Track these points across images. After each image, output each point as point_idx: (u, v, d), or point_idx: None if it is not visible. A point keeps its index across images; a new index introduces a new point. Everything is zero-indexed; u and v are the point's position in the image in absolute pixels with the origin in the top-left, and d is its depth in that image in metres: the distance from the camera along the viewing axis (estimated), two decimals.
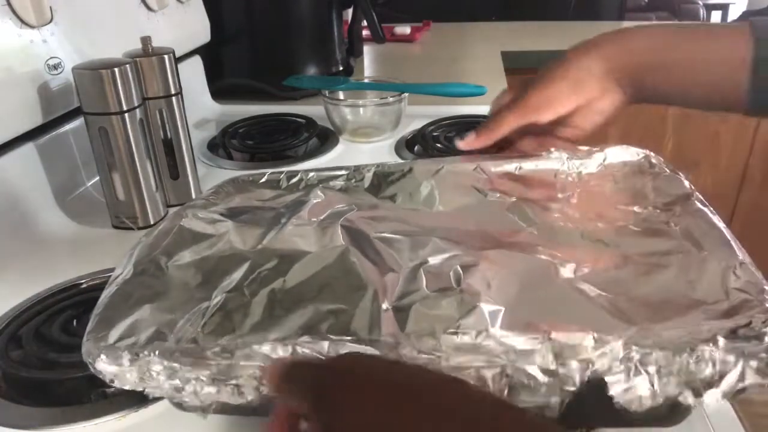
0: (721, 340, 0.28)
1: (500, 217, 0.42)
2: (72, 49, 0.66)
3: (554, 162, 0.48)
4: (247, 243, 0.40)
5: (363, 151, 0.85)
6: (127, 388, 0.32)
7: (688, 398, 0.28)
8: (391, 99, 0.85)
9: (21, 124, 0.60)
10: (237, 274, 0.37)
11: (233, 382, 0.31)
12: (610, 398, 0.28)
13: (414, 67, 1.38)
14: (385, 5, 1.32)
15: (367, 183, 0.48)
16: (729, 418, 0.38)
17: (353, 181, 0.49)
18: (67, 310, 0.48)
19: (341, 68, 1.17)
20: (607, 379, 0.28)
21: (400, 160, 0.78)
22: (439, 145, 0.81)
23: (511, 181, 0.47)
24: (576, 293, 0.32)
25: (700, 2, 3.81)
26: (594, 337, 0.28)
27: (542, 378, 0.28)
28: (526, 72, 1.44)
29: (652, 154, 0.48)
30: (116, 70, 0.57)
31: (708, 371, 0.28)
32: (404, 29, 1.59)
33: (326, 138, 0.87)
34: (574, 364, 0.28)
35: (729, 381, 0.28)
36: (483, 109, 0.91)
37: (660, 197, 0.42)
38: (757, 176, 1.51)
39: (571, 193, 0.44)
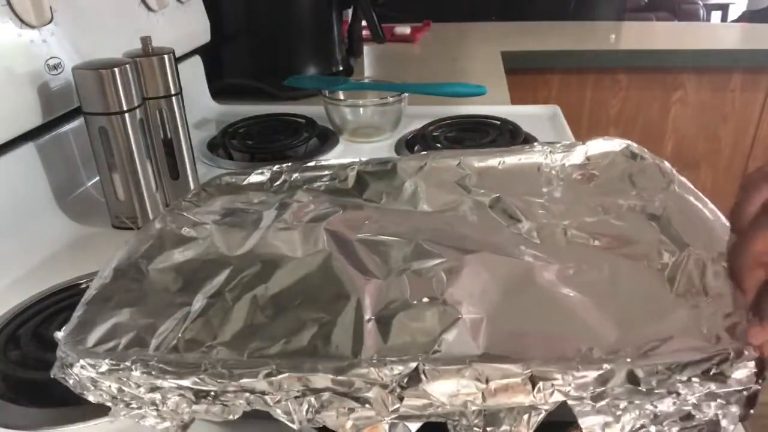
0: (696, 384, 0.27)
1: (484, 216, 0.42)
2: (72, 49, 0.66)
3: (537, 155, 0.48)
4: (229, 247, 0.40)
5: (363, 151, 0.85)
6: (93, 400, 0.31)
7: None
8: (391, 99, 0.85)
9: (21, 124, 0.60)
10: (219, 279, 0.36)
11: (221, 400, 0.30)
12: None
13: (414, 67, 1.38)
14: (385, 5, 1.31)
15: (351, 182, 0.48)
16: None
17: (337, 181, 0.49)
18: (67, 311, 0.48)
19: (341, 68, 1.17)
20: (575, 409, 0.28)
21: None
22: (439, 145, 0.81)
23: (495, 176, 0.47)
24: (557, 298, 0.33)
25: (700, 2, 3.81)
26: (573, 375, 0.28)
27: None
28: (526, 72, 1.44)
29: (633, 144, 0.48)
30: (116, 70, 0.57)
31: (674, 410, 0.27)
32: (404, 29, 1.59)
33: (326, 138, 0.87)
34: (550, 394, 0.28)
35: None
36: (483, 109, 0.92)
37: (642, 186, 0.43)
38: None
39: (555, 186, 0.45)
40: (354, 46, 1.31)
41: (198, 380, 0.29)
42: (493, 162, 0.48)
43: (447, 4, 1.99)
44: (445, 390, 0.28)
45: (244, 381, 0.29)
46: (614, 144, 0.48)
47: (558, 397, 0.27)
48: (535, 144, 0.49)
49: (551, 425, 0.37)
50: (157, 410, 0.30)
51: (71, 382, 0.31)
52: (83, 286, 0.52)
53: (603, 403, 0.27)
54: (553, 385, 0.27)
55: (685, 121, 1.48)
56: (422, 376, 0.28)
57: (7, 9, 0.58)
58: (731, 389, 0.27)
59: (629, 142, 0.48)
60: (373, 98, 0.89)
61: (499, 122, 0.86)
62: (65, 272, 0.54)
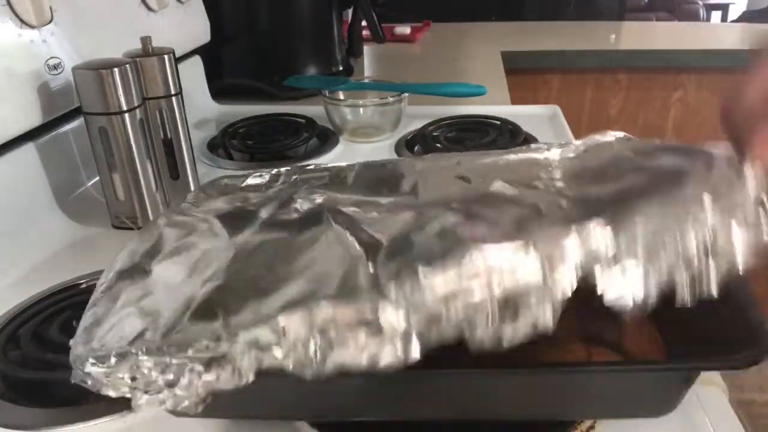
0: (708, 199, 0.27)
1: (485, 193, 0.42)
2: (72, 49, 0.66)
3: (536, 153, 0.48)
4: (230, 235, 0.40)
5: (363, 151, 0.85)
6: (113, 394, 0.31)
7: (684, 279, 0.28)
8: (391, 99, 0.85)
9: (21, 124, 0.60)
10: (221, 264, 0.36)
11: (232, 364, 0.30)
12: (603, 304, 0.28)
13: (414, 67, 1.38)
14: (385, 5, 1.31)
15: (350, 180, 0.49)
16: (729, 418, 0.38)
17: (337, 180, 0.49)
18: (67, 311, 0.48)
19: (341, 68, 1.17)
20: (596, 277, 0.28)
21: None
22: (438, 145, 0.81)
23: (496, 168, 0.47)
24: (556, 197, 0.33)
25: (700, 2, 3.81)
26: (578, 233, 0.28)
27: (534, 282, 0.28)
28: (526, 72, 1.44)
29: (629, 135, 0.48)
30: (116, 70, 0.57)
31: (700, 236, 0.27)
32: (404, 29, 1.59)
33: (326, 138, 0.87)
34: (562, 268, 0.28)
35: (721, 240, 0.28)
36: (483, 109, 0.92)
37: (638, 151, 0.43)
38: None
39: (554, 170, 0.45)
40: (354, 46, 1.31)
41: (202, 347, 0.29)
42: (494, 158, 0.48)
43: (447, 4, 1.99)
44: (449, 281, 0.27)
45: (248, 335, 0.29)
46: (609, 135, 0.48)
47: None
48: (533, 144, 0.49)
49: (551, 425, 0.37)
50: (173, 390, 0.30)
51: (90, 383, 0.31)
52: (83, 286, 0.52)
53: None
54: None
55: (685, 121, 1.48)
56: (421, 276, 0.28)
57: (7, 9, 0.58)
58: None
59: (624, 133, 0.48)
60: (373, 98, 0.89)
61: (499, 122, 0.86)
62: (65, 272, 0.54)
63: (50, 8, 0.63)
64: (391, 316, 0.28)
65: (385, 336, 0.28)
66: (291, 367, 0.29)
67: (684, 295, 0.28)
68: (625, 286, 0.28)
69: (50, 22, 0.63)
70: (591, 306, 0.28)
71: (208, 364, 0.30)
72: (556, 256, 0.28)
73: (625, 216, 0.28)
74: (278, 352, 0.29)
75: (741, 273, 0.28)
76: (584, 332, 0.34)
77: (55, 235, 0.62)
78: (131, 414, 0.39)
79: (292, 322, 0.28)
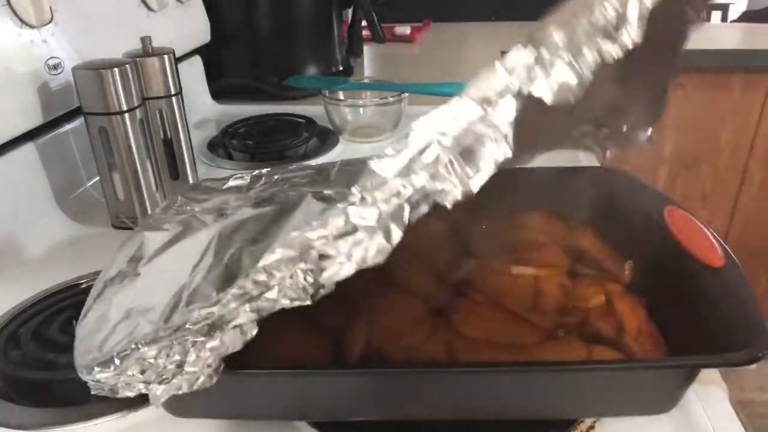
0: None
1: None
2: (72, 49, 0.66)
3: None
4: (211, 223, 0.41)
5: (363, 151, 0.85)
6: (131, 393, 0.31)
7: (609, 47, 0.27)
8: (391, 99, 0.85)
9: (21, 124, 0.60)
10: (206, 246, 0.37)
11: (232, 324, 0.30)
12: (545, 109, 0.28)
13: (414, 67, 1.38)
14: (385, 5, 1.31)
15: (333, 176, 0.49)
16: (728, 418, 0.38)
17: (319, 177, 0.49)
18: (67, 311, 0.48)
19: (341, 68, 1.17)
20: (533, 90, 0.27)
21: None
22: None
23: None
24: None
25: None
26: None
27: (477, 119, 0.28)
28: None
29: None
30: (116, 70, 0.57)
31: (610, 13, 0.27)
32: (404, 29, 1.59)
33: (326, 138, 0.87)
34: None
35: None
36: None
37: None
38: (757, 176, 1.51)
39: None
40: (354, 46, 1.31)
41: (198, 318, 0.29)
42: None
43: (447, 4, 1.99)
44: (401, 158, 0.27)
45: (236, 291, 0.29)
46: None
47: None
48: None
49: (551, 425, 0.37)
50: (184, 370, 0.30)
51: (106, 389, 0.31)
52: (83, 286, 0.52)
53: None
54: None
55: (685, 121, 1.48)
56: (373, 167, 0.28)
57: (7, 9, 0.58)
58: None
59: None
60: (373, 98, 0.89)
61: None
62: (65, 272, 0.54)
63: (50, 8, 0.63)
64: (363, 214, 0.28)
65: (365, 234, 0.28)
66: (289, 302, 0.29)
67: (614, 51, 0.28)
68: (557, 81, 0.27)
69: (50, 22, 0.63)
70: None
71: (208, 332, 0.30)
72: (489, 94, 0.28)
73: (539, 32, 0.28)
74: (271, 294, 0.29)
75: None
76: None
77: (55, 235, 0.62)
78: (131, 414, 0.39)
79: (273, 262, 0.29)
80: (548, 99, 0.27)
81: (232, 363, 0.31)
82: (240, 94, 1.06)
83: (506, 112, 0.28)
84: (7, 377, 0.42)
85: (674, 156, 1.49)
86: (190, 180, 0.70)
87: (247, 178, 0.50)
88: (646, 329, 0.38)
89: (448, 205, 0.28)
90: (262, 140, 0.87)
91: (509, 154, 0.28)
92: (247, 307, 0.29)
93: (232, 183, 0.50)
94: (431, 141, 0.28)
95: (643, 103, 0.42)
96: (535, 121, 0.29)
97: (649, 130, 0.41)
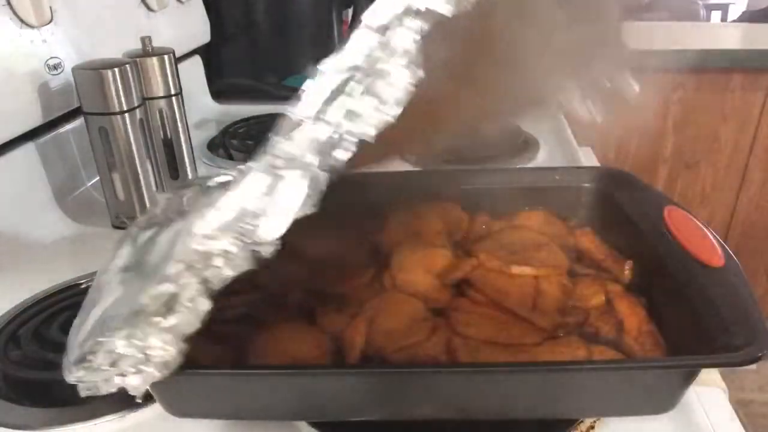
0: None
1: None
2: (72, 49, 0.66)
3: None
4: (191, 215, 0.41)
5: None
6: (113, 389, 0.31)
7: None
8: None
9: (21, 124, 0.60)
10: (163, 238, 0.37)
11: (186, 298, 0.30)
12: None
13: None
14: None
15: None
16: (728, 418, 0.38)
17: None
18: (67, 311, 0.48)
19: None
20: None
21: None
22: None
23: None
24: None
25: (700, 2, 3.81)
26: None
27: None
28: None
29: None
30: (116, 70, 0.57)
31: None
32: None
33: None
34: None
35: None
36: None
37: None
38: (757, 176, 1.51)
39: None
40: None
41: (152, 297, 0.29)
42: None
43: None
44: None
45: (180, 266, 0.29)
46: None
47: None
48: None
49: (551, 425, 0.37)
50: (150, 354, 0.30)
51: (90, 388, 0.31)
52: (83, 286, 0.52)
53: None
54: None
55: (685, 121, 1.48)
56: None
57: (7, 9, 0.58)
58: None
59: None
60: None
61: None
62: (65, 272, 0.54)
63: (50, 8, 0.63)
64: (284, 162, 0.29)
65: (291, 180, 0.29)
66: (244, 267, 0.29)
67: None
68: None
69: (50, 22, 0.63)
70: None
71: (165, 313, 0.30)
72: (384, 21, 0.29)
73: None
74: (218, 261, 0.29)
75: None
76: None
77: (55, 235, 0.62)
78: (131, 414, 0.39)
79: (209, 230, 0.29)
80: (445, 10, 0.27)
81: (231, 363, 0.31)
82: (240, 94, 1.06)
83: (407, 35, 0.28)
84: (8, 377, 0.42)
85: (674, 156, 1.49)
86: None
87: (235, 173, 0.50)
88: (646, 329, 0.38)
89: (371, 140, 0.28)
90: (262, 140, 0.87)
91: (420, 74, 0.28)
92: (194, 279, 0.29)
93: (220, 179, 0.50)
94: (341, 77, 0.28)
95: (608, 51, 0.42)
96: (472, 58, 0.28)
97: (635, 85, 0.41)
